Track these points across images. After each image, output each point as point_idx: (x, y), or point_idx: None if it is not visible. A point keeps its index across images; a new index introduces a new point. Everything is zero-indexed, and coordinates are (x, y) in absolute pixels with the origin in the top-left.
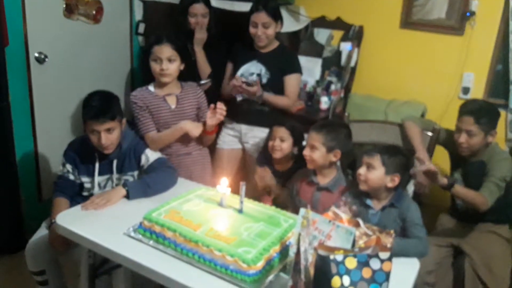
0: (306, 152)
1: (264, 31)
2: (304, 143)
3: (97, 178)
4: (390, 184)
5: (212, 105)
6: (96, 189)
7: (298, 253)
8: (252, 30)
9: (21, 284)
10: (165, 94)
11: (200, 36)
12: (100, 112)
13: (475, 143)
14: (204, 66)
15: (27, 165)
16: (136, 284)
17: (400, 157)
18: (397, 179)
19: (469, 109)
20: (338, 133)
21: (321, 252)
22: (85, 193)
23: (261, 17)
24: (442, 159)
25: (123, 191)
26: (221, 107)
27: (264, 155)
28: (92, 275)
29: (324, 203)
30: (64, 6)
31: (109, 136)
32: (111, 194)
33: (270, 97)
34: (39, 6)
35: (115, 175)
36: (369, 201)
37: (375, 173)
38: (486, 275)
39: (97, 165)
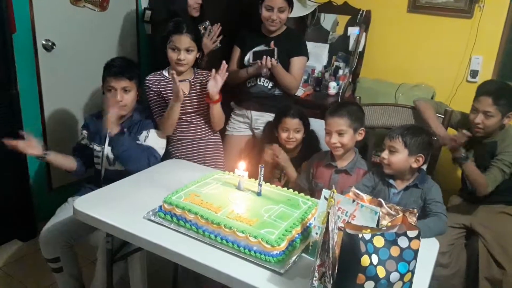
0: (335, 140)
1: (278, 15)
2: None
3: (107, 148)
4: (414, 165)
5: (213, 71)
6: (104, 161)
7: (326, 232)
8: (266, 14)
9: (35, 271)
10: (179, 79)
11: (210, 46)
12: (119, 71)
13: (492, 124)
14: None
15: None
16: (152, 269)
17: (423, 136)
18: (421, 160)
19: (488, 89)
20: (356, 111)
21: (350, 231)
22: (97, 165)
23: (278, 1)
24: None
25: (39, 151)
26: (224, 68)
27: (270, 142)
28: (109, 260)
29: (342, 185)
30: None
31: (124, 95)
32: (26, 149)
33: (281, 69)
34: None
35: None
36: (391, 181)
37: (398, 155)
38: (500, 254)
39: (108, 134)
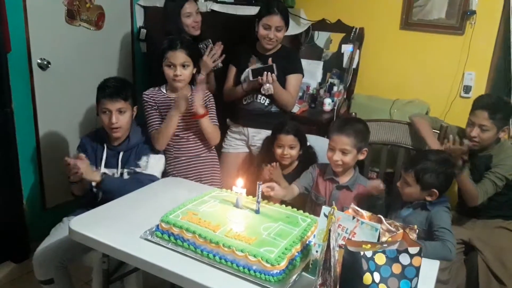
0: (337, 158)
1: (276, 34)
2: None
3: (103, 170)
4: (428, 198)
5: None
6: None
7: (327, 249)
8: (263, 32)
9: None
10: (176, 96)
11: (209, 64)
12: (113, 92)
13: (487, 137)
14: (211, 82)
15: (31, 172)
16: None
17: (438, 170)
18: (435, 195)
19: (484, 103)
20: (362, 131)
21: (351, 248)
22: (93, 187)
23: (276, 20)
24: None
25: (97, 177)
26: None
27: (266, 158)
28: (106, 281)
29: (342, 201)
30: (66, 12)
31: (120, 117)
32: (87, 173)
33: (279, 86)
34: (41, 12)
35: (119, 170)
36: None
37: (410, 189)
38: (500, 269)
39: (104, 154)
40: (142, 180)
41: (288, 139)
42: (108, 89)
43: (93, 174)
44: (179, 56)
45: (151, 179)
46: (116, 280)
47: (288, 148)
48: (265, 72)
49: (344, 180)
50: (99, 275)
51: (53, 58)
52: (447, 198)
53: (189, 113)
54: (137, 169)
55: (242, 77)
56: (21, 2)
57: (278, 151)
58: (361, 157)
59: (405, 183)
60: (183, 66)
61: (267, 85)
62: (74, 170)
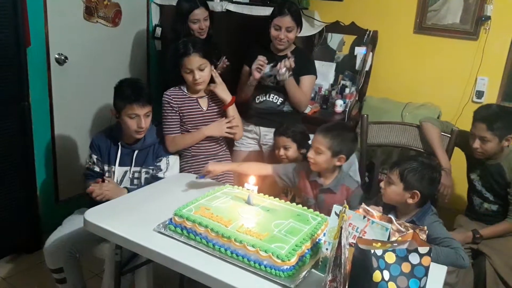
0: (311, 155)
1: (286, 35)
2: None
3: (117, 168)
4: (410, 201)
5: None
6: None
7: (339, 247)
8: (274, 33)
9: (40, 283)
10: (198, 96)
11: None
12: (141, 96)
13: (489, 148)
14: None
15: (45, 165)
16: (158, 282)
17: (423, 172)
18: (416, 197)
19: (482, 115)
20: (344, 138)
21: (362, 246)
22: None
23: (286, 21)
24: (460, 160)
25: (124, 193)
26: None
27: (276, 157)
28: (118, 272)
29: (328, 204)
30: (84, 8)
31: (147, 120)
32: (115, 193)
33: (294, 83)
34: (60, 8)
35: (133, 168)
36: (391, 215)
37: (392, 188)
38: (508, 274)
39: (119, 153)
40: None
41: (281, 139)
42: (134, 94)
43: (120, 192)
44: (195, 60)
45: None
46: (127, 272)
47: (283, 149)
48: (283, 60)
49: (326, 182)
50: (111, 266)
51: (70, 54)
52: (431, 206)
53: (211, 112)
54: (159, 173)
55: (254, 66)
56: None
57: (276, 151)
58: (338, 163)
59: (388, 182)
60: (200, 69)
61: (283, 69)
62: (101, 196)
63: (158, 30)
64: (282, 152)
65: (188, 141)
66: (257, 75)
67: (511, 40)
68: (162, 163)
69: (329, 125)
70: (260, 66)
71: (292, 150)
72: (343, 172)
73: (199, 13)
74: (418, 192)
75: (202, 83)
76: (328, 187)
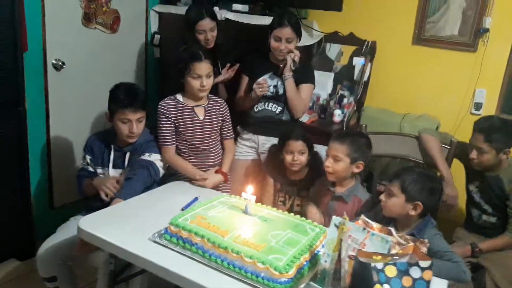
0: (329, 164)
1: (286, 46)
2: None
3: (111, 171)
4: (412, 213)
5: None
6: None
7: (338, 260)
8: (274, 44)
9: None
10: (194, 105)
11: (225, 77)
12: (134, 102)
13: (486, 160)
14: (222, 93)
15: (40, 171)
16: None
17: (423, 182)
18: (419, 208)
19: (481, 126)
20: (360, 144)
21: (362, 259)
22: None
23: (286, 32)
24: (458, 171)
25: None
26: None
27: (274, 166)
28: (112, 282)
29: (339, 212)
30: (83, 14)
31: (139, 125)
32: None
33: (294, 85)
34: (58, 14)
35: (127, 170)
36: (391, 227)
37: (394, 200)
38: None
39: (111, 156)
40: (145, 166)
41: (298, 144)
42: (128, 99)
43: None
44: (205, 67)
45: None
46: (121, 282)
47: (298, 154)
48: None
49: (340, 190)
50: (105, 276)
51: (68, 59)
52: (431, 219)
53: (208, 123)
54: (142, 156)
55: (255, 85)
56: (40, 3)
57: (288, 157)
58: (356, 169)
59: (388, 194)
60: (208, 76)
61: (292, 55)
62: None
63: (157, 38)
64: (296, 157)
65: (179, 168)
66: (260, 94)
67: (509, 53)
68: (145, 156)
69: (343, 132)
70: (263, 90)
71: (305, 156)
72: (359, 183)
73: (205, 23)
74: (420, 203)
75: (207, 90)
76: (341, 195)
